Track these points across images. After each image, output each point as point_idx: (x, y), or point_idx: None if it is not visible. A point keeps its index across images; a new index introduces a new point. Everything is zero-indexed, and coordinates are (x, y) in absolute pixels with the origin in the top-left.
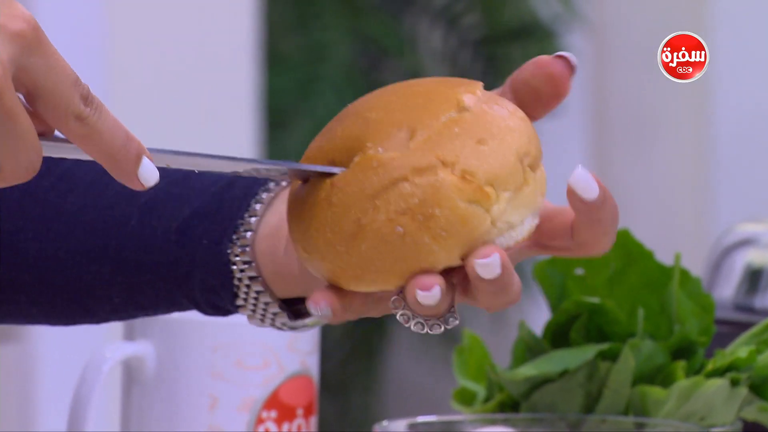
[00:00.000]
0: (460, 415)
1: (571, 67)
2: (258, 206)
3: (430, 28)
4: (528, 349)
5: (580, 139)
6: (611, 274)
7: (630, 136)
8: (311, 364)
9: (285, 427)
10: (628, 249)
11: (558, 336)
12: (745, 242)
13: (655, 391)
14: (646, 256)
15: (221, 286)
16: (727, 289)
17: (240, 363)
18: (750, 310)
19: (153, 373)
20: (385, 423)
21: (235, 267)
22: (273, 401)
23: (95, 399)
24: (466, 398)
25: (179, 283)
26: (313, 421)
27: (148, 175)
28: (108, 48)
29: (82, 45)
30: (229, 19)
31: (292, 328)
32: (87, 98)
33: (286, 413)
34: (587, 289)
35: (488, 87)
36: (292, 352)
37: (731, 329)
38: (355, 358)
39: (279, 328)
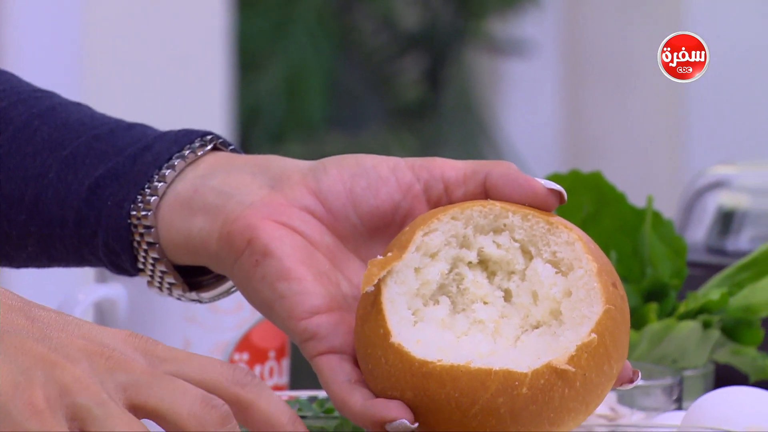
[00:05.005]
0: None
1: (563, 201)
2: (168, 172)
3: None
4: None
5: (553, 81)
6: (584, 217)
7: (603, 79)
8: None
9: (257, 369)
10: (601, 192)
11: None
12: (718, 185)
13: None
14: (618, 199)
15: (122, 249)
16: (699, 232)
17: (213, 307)
18: (722, 252)
19: (125, 316)
20: None
21: (135, 231)
22: (245, 344)
23: None
24: None
25: (86, 241)
26: (285, 363)
27: None
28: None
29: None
30: None
31: (191, 300)
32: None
33: (258, 356)
34: None
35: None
36: None
37: (703, 272)
38: None
39: (177, 299)
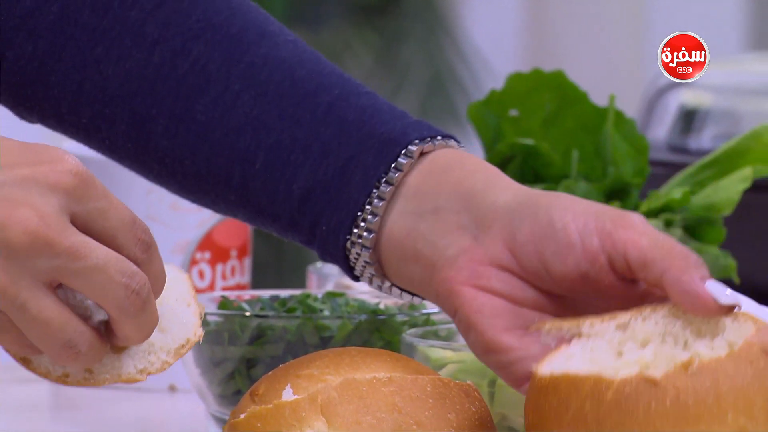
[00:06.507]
0: None
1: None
2: (380, 203)
3: None
4: None
5: None
6: (546, 116)
7: None
8: None
9: (219, 268)
10: (563, 91)
11: None
12: (680, 83)
13: None
14: (580, 97)
15: (337, 262)
16: (661, 130)
17: (174, 206)
18: (684, 151)
19: None
20: (318, 265)
21: (352, 257)
22: (207, 242)
23: None
24: None
25: (300, 240)
26: (247, 262)
27: None
28: None
29: None
30: None
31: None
32: (143, 242)
33: (219, 254)
34: (522, 131)
35: None
36: None
37: (665, 170)
38: None
39: (397, 297)
